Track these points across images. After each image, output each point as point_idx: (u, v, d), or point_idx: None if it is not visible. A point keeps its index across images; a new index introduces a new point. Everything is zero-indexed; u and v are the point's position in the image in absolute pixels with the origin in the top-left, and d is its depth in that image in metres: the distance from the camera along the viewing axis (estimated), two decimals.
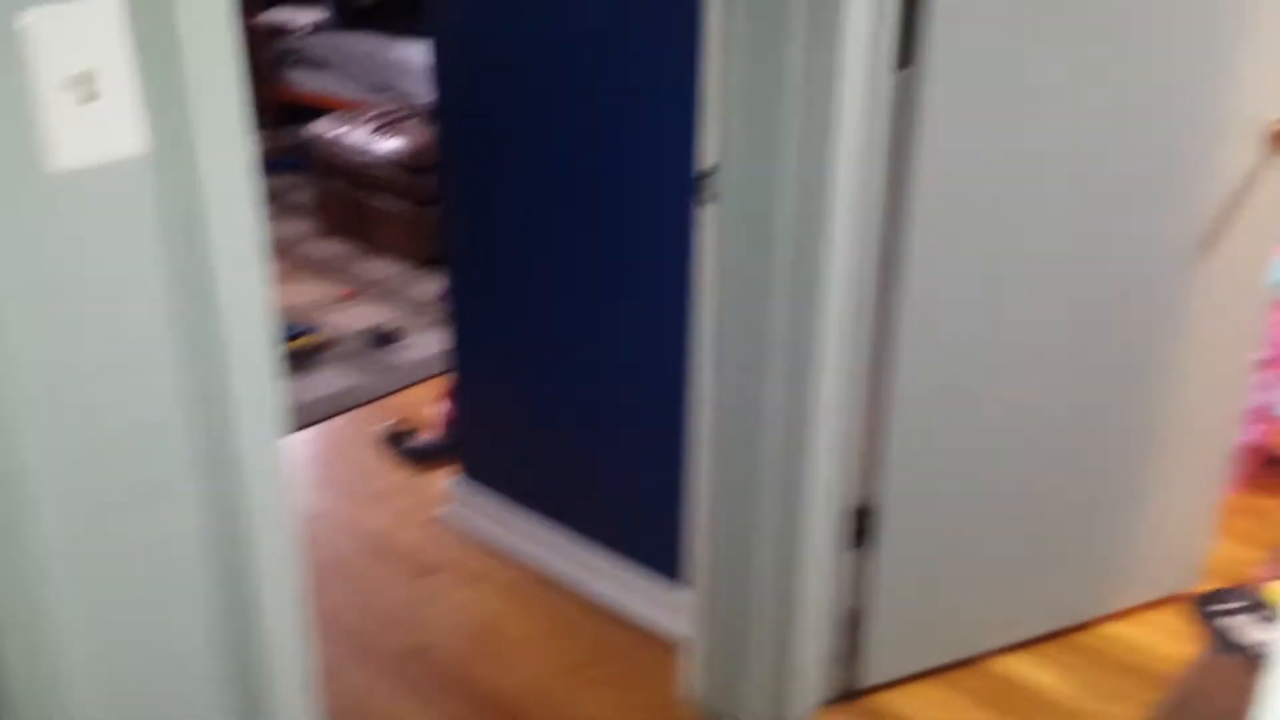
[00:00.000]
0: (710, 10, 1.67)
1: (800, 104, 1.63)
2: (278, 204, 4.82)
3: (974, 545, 2.08)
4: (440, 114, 2.38)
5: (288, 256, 4.35)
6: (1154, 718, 2.04)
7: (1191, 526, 2.30)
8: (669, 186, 2.00)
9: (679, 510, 2.16)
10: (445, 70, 2.32)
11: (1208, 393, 2.18)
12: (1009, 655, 2.21)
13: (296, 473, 2.89)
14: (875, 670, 2.11)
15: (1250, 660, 2.16)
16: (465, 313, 2.51)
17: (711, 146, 1.74)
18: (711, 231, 1.79)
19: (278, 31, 5.46)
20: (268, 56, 5.40)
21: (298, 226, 4.62)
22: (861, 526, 2.01)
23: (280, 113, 5.44)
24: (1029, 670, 2.17)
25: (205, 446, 1.09)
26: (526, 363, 2.40)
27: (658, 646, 2.25)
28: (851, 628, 2.10)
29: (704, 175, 1.76)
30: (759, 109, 1.67)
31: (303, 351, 3.47)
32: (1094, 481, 2.13)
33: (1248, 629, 2.24)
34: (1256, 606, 2.31)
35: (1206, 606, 2.32)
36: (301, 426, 3.10)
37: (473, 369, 2.56)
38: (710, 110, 1.72)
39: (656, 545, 2.26)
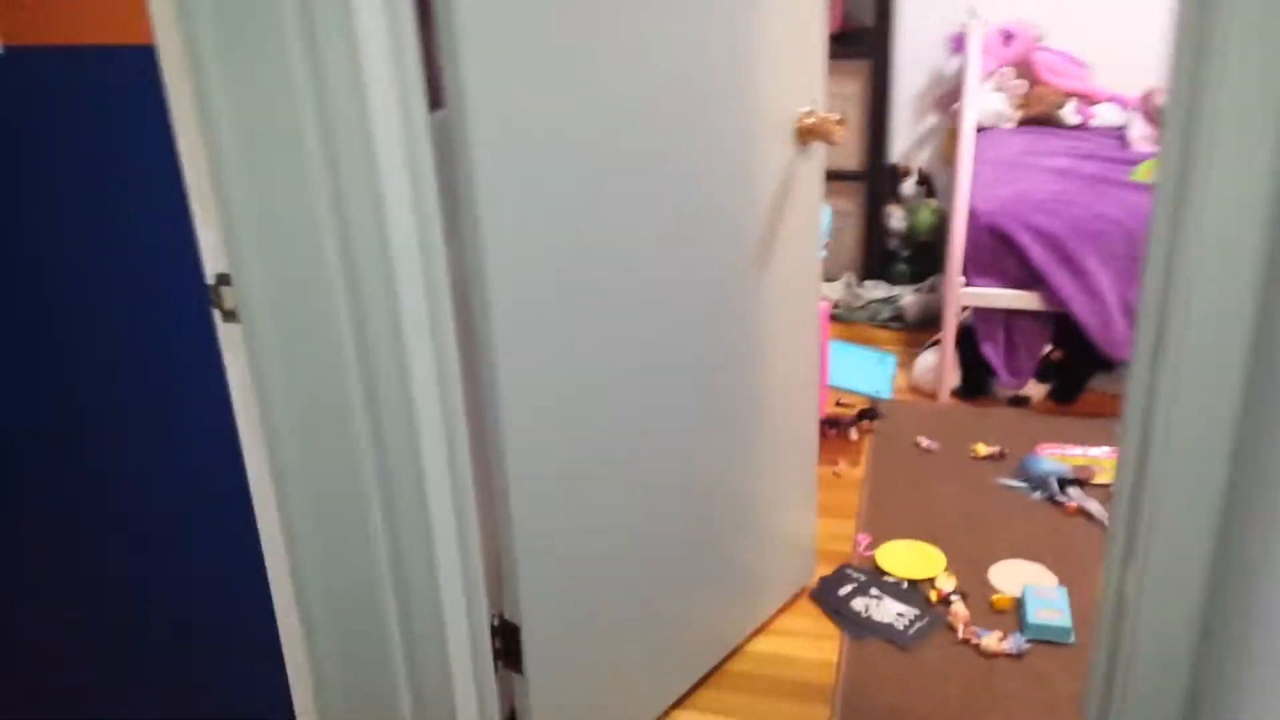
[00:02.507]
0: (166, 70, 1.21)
1: (325, 177, 1.23)
2: None
3: (616, 621, 1.83)
4: None
5: None
6: None
7: (797, 519, 2.25)
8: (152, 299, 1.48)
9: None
10: None
11: (788, 385, 2.13)
12: (676, 713, 2.00)
13: None
14: None
15: (886, 639, 2.16)
16: None
17: (213, 248, 1.28)
18: (241, 355, 1.33)
19: None
20: None
21: None
22: (505, 641, 1.67)
23: None
24: None
25: None
26: None
27: None
28: None
29: (215, 285, 1.29)
30: (271, 188, 1.24)
31: None
32: (712, 510, 1.98)
33: (872, 607, 2.25)
34: (870, 581, 2.33)
35: (828, 596, 2.29)
36: None
37: None
38: (202, 203, 1.26)
39: None
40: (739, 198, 1.86)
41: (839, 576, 2.35)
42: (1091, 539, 2.46)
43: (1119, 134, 3.38)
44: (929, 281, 3.62)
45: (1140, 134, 3.24)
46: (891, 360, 2.85)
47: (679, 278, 1.76)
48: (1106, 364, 3.01)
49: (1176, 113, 1.20)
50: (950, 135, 3.76)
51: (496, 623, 1.67)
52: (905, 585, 2.31)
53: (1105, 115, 3.46)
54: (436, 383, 1.40)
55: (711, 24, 1.68)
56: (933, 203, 3.75)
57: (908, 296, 3.51)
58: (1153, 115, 3.25)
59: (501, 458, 1.53)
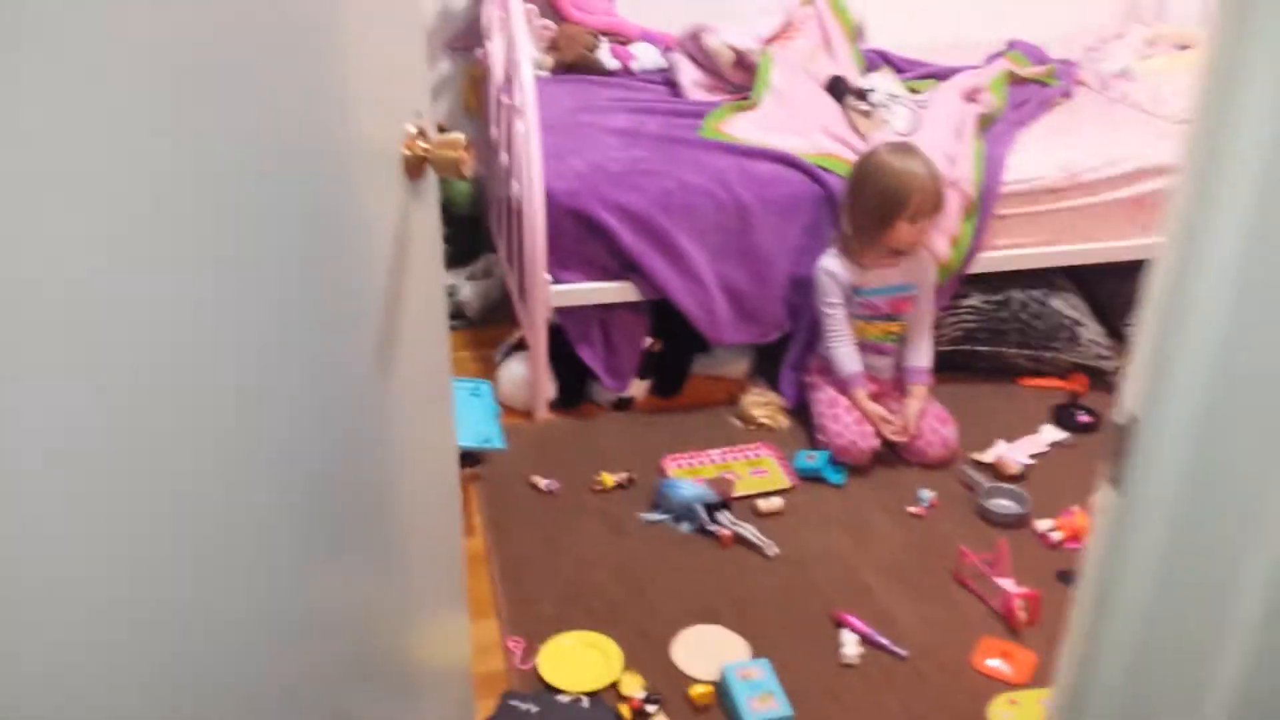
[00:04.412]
0: None
1: None
2: None
3: None
4: None
5: None
6: None
7: (449, 644, 1.66)
8: None
9: None
10: None
11: (427, 481, 1.51)
12: None
13: None
14: None
15: None
16: None
17: None
18: None
19: None
20: None
21: None
22: None
23: None
24: None
25: None
26: None
27: None
28: None
29: None
30: None
31: None
32: (350, 671, 1.33)
33: None
34: (545, 711, 1.81)
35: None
36: None
37: None
38: None
39: None
40: (343, 281, 1.18)
41: (506, 714, 1.81)
42: (758, 574, 2.14)
43: (666, 80, 3.05)
44: (481, 263, 3.08)
45: (691, 80, 2.93)
46: (488, 390, 2.30)
47: (279, 415, 1.06)
48: (704, 346, 2.71)
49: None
50: (471, 83, 3.20)
51: None
52: (586, 703, 1.83)
53: (645, 57, 3.11)
54: None
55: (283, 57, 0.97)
56: None
57: (464, 287, 2.95)
58: (700, 58, 2.95)
59: None
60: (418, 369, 1.41)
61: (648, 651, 1.94)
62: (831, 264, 2.48)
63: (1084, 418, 2.72)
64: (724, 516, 2.25)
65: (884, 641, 1.99)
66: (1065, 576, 2.19)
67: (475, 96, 3.16)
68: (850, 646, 1.96)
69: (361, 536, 1.30)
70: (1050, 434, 2.65)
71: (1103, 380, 2.83)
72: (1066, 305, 2.88)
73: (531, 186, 2.40)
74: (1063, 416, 2.72)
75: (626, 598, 2.06)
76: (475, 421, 2.18)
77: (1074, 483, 2.42)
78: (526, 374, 2.57)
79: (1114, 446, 0.85)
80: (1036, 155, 2.74)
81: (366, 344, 1.24)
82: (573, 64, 3.05)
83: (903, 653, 1.97)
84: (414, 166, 1.30)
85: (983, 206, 2.67)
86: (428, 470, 1.52)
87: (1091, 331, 2.87)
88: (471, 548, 2.17)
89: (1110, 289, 3.03)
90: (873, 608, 2.07)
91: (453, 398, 1.58)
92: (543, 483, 2.35)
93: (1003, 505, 2.37)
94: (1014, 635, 2.04)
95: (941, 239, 2.61)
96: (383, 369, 1.28)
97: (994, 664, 1.97)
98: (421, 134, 1.30)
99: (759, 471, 2.44)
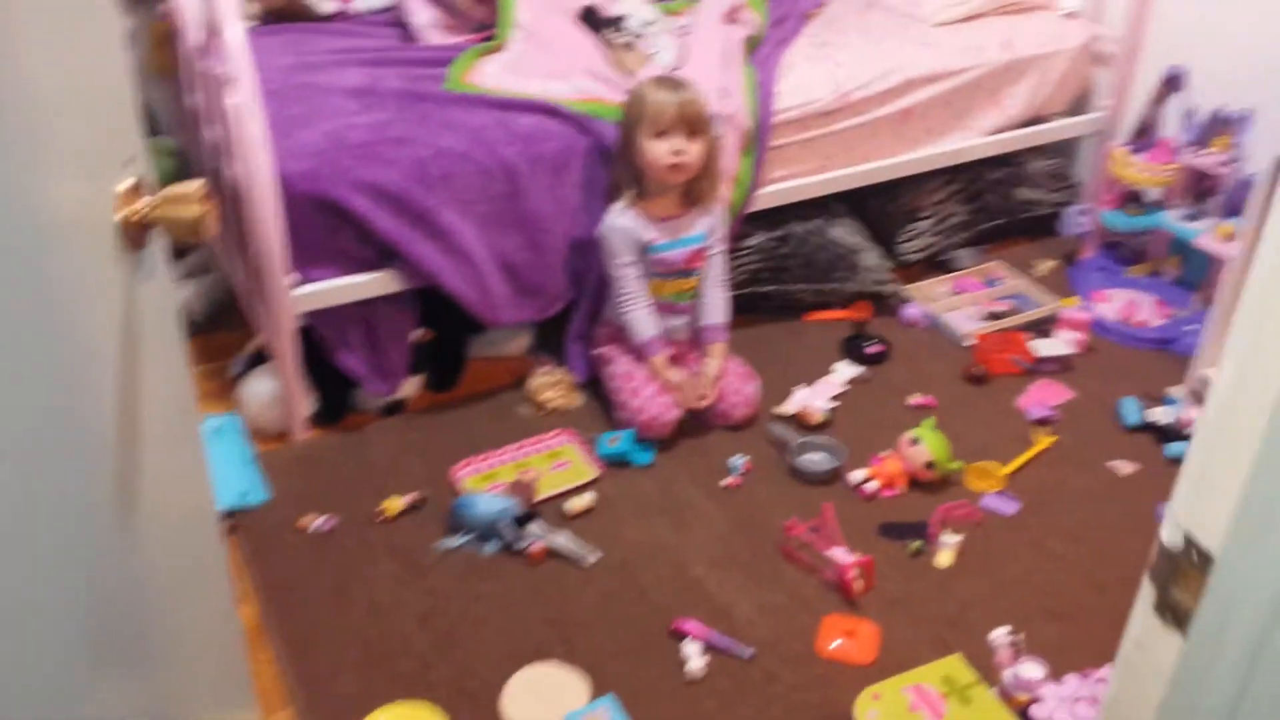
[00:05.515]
0: None
1: None
2: None
3: None
4: None
5: None
6: None
7: None
8: None
9: None
10: None
11: (192, 597, 1.19)
12: None
13: None
14: None
15: None
16: None
17: None
18: None
19: None
20: None
21: None
22: None
23: None
24: None
25: None
26: None
27: None
28: None
29: None
30: None
31: None
32: None
33: None
34: None
35: None
36: None
37: None
38: None
39: None
40: (42, 403, 0.84)
41: None
42: (581, 588, 1.93)
43: (395, 20, 2.66)
44: (198, 256, 2.63)
45: (426, 20, 2.56)
46: (235, 425, 1.91)
47: None
48: (478, 326, 2.41)
49: None
50: (158, 41, 2.68)
51: None
52: None
53: None
54: None
55: None
56: (166, 141, 2.70)
57: (183, 287, 2.50)
58: None
59: None
60: (167, 484, 1.08)
61: (475, 711, 1.70)
62: (619, 220, 2.24)
63: (873, 348, 2.65)
64: (534, 527, 2.01)
65: (727, 644, 1.84)
66: (889, 530, 2.12)
67: (164, 56, 2.65)
68: (695, 659, 1.79)
69: (103, 665, 0.99)
70: (845, 371, 2.56)
71: (885, 305, 2.78)
72: (845, 233, 2.78)
73: (258, 174, 2.00)
74: (852, 349, 2.64)
75: (438, 649, 1.80)
76: (226, 471, 1.82)
77: (877, 422, 2.35)
78: (275, 389, 2.20)
79: (1160, 570, 0.66)
80: (804, 78, 2.58)
81: (97, 466, 0.91)
82: (282, 10, 2.60)
83: (747, 653, 1.83)
84: (134, 234, 0.97)
85: (759, 139, 2.49)
86: (185, 561, 1.20)
87: (869, 258, 2.79)
88: (249, 616, 1.83)
89: (877, 207, 2.96)
90: (708, 605, 1.91)
91: (209, 480, 1.25)
92: (315, 522, 2.02)
93: (815, 461, 2.26)
94: (852, 606, 1.94)
95: (723, 179, 2.41)
96: (121, 492, 0.95)
97: (839, 645, 1.86)
98: (138, 189, 0.96)
99: (561, 464, 2.21)
